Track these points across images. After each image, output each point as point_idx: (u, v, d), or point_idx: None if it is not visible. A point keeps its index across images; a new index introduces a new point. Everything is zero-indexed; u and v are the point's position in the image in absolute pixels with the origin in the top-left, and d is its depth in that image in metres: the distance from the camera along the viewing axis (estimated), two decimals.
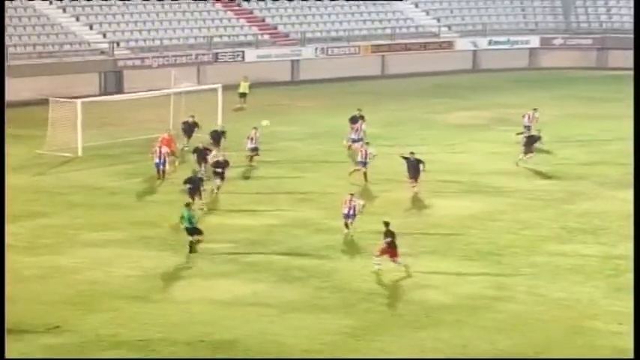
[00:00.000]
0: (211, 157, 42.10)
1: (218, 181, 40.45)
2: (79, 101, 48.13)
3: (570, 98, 65.60)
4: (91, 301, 29.28)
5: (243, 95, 61.66)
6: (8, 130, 46.02)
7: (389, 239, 31.72)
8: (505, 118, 58.93)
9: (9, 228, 35.34)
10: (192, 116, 48.97)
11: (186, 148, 47.22)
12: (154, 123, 48.30)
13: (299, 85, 69.79)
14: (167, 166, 42.82)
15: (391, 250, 31.76)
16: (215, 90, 52.90)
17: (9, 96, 50.99)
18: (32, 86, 59.16)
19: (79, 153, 47.36)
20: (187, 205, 34.40)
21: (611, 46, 78.40)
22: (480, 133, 53.51)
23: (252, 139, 46.24)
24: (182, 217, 34.01)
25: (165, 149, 42.71)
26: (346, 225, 35.56)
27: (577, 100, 64.12)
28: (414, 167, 41.04)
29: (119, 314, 28.32)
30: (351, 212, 35.37)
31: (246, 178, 43.85)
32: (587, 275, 32.18)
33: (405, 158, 41.48)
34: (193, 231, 33.75)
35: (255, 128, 46.43)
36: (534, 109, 51.70)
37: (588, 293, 30.54)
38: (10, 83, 55.23)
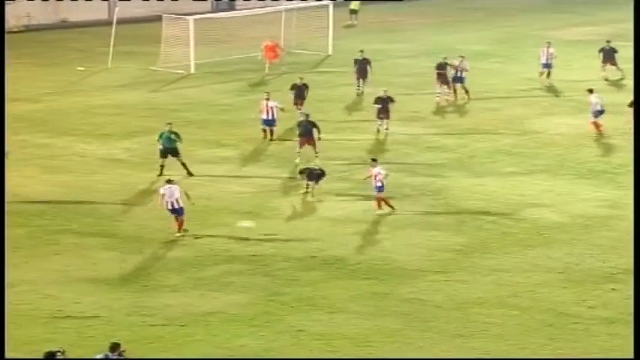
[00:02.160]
0: None
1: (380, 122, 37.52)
2: (191, 18, 48.46)
3: None
4: (205, 216, 29.76)
5: (353, 12, 61.29)
6: (117, 48, 46.34)
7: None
8: (621, 33, 57.52)
9: (125, 144, 36.11)
10: (362, 51, 44.39)
11: (357, 91, 43.52)
12: (266, 40, 48.32)
13: (410, 2, 69.03)
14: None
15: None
16: (326, 7, 52.70)
17: (121, 13, 51.47)
18: (145, 3, 59.60)
19: (192, 70, 47.81)
20: (169, 124, 33.31)
21: None
22: (596, 50, 52.36)
23: (457, 69, 42.28)
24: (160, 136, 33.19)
25: (272, 103, 36.96)
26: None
27: None
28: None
29: (233, 230, 28.77)
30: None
31: None
32: None
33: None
34: (166, 153, 32.78)
35: (462, 57, 42.99)
36: None
37: None
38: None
